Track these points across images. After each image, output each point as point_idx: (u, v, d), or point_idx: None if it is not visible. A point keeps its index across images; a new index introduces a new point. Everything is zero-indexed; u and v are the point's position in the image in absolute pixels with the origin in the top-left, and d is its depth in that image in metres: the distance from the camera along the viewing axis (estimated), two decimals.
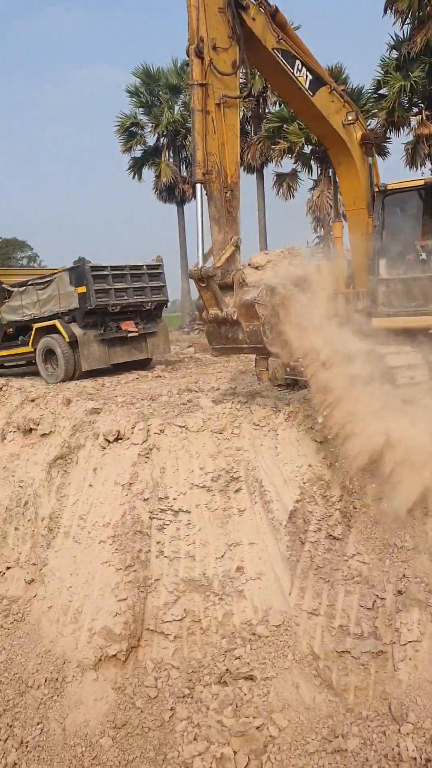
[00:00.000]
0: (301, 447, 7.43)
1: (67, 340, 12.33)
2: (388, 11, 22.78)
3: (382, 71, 23.65)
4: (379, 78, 23.82)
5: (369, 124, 23.82)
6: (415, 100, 23.83)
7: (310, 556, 6.80)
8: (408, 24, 22.67)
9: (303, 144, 24.39)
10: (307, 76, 8.71)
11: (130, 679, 6.82)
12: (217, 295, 7.35)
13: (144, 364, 14.01)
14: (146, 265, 13.52)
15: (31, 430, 9.91)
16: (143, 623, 7.10)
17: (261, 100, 27.20)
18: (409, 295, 8.81)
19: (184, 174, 29.86)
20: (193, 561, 7.25)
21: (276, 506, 7.18)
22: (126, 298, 12.78)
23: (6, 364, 15.22)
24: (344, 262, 10.08)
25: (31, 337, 13.24)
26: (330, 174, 24.61)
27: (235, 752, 5.89)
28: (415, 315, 8.67)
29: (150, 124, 29.41)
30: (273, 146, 25.54)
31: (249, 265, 7.55)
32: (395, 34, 23.31)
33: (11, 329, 14.22)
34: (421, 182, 8.81)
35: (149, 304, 13.40)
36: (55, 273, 13.01)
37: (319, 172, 26.01)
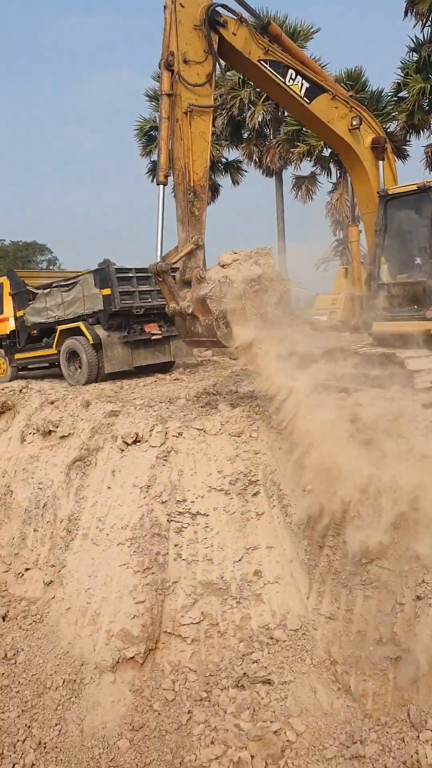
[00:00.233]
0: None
1: (91, 342, 12.30)
2: (409, 14, 22.72)
3: (402, 74, 23.53)
4: (399, 81, 23.70)
5: (388, 127, 23.71)
6: None
7: (329, 561, 6.77)
8: (428, 26, 22.57)
9: (322, 147, 24.27)
10: (302, 84, 8.93)
11: (148, 682, 6.83)
12: (173, 290, 7.96)
13: (167, 368, 13.99)
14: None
15: (50, 432, 9.97)
16: (161, 626, 7.11)
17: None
18: (406, 300, 8.83)
19: None
20: (210, 564, 7.25)
21: (294, 510, 7.16)
22: (150, 300, 12.74)
23: (29, 366, 15.30)
24: (361, 266, 10.07)
25: (55, 339, 13.24)
26: (348, 177, 24.51)
27: (252, 756, 5.87)
28: (409, 320, 8.75)
29: None
30: (292, 149, 25.49)
31: (218, 263, 7.95)
32: (415, 36, 23.19)
33: (35, 331, 14.23)
34: (414, 187, 8.80)
35: None
36: (80, 275, 13.01)
37: (339, 175, 25.90)
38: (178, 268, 8.12)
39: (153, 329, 12.92)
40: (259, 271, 7.70)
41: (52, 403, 10.63)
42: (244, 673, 6.48)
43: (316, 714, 6.10)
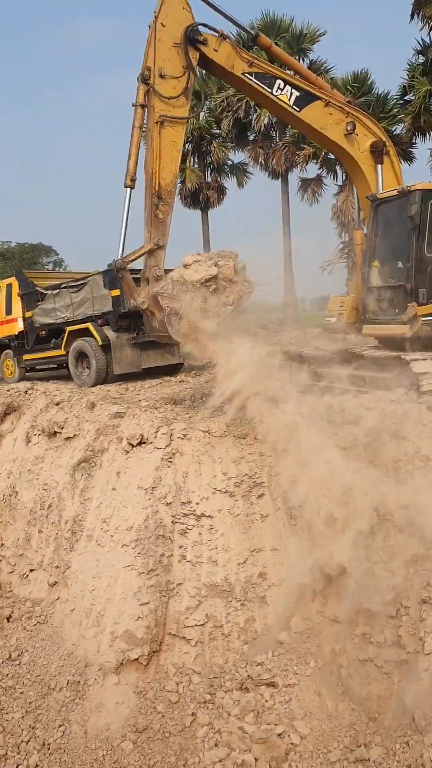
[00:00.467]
0: (324, 453, 7.37)
1: (100, 343, 12.26)
2: (415, 16, 22.69)
3: (408, 76, 23.51)
4: (405, 83, 23.67)
5: (394, 130, 23.68)
6: None
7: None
8: None
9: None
10: (291, 93, 9.22)
11: (152, 684, 6.82)
12: (131, 287, 8.57)
13: (175, 369, 13.95)
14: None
15: (55, 433, 9.98)
16: (165, 628, 7.10)
17: None
18: (390, 304, 8.91)
19: (209, 180, 29.91)
20: (215, 566, 7.24)
21: (299, 512, 7.14)
22: None
23: (37, 367, 15.29)
24: None
25: (64, 340, 13.20)
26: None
27: (256, 759, 5.86)
28: (391, 323, 8.90)
29: None
30: (298, 152, 25.52)
31: (182, 263, 8.39)
32: (422, 39, 23.17)
33: (43, 332, 14.19)
34: (395, 192, 8.84)
35: None
36: (89, 276, 12.98)
37: (344, 177, 25.88)
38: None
39: None
40: (215, 272, 8.08)
41: (57, 404, 10.63)
42: (248, 676, 6.47)
43: (321, 717, 6.08)
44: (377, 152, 9.65)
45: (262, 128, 26.59)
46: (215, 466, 7.77)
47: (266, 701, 6.25)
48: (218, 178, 30.26)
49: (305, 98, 9.26)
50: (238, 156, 30.03)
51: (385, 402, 7.58)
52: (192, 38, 8.38)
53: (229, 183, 30.61)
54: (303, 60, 26.16)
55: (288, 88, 9.15)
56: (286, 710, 6.15)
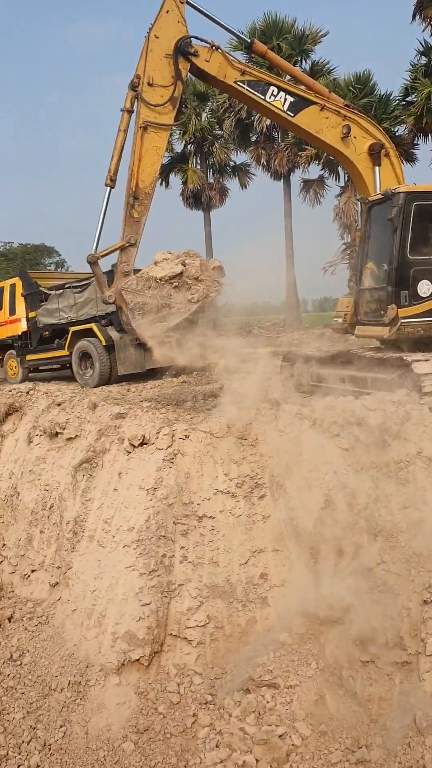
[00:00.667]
0: (325, 454, 7.38)
1: (104, 343, 12.26)
2: (417, 17, 22.69)
3: (410, 77, 23.50)
4: (408, 84, 23.65)
5: (397, 131, 23.66)
6: None
7: (335, 565, 6.74)
8: None
9: None
10: (285, 99, 9.40)
11: (153, 684, 6.82)
12: (101, 281, 9.18)
13: (180, 370, 13.91)
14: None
15: (57, 434, 9.99)
16: (166, 628, 7.10)
17: None
18: (377, 305, 8.96)
19: (211, 180, 29.94)
20: (216, 567, 7.24)
21: (300, 513, 7.14)
22: None
23: (41, 368, 15.28)
24: None
25: (68, 340, 13.19)
26: None
27: (257, 760, 5.85)
28: (375, 325, 9.02)
29: (177, 131, 29.57)
30: (300, 153, 25.51)
31: (153, 261, 8.97)
32: (424, 40, 23.16)
33: (47, 332, 14.17)
34: (379, 196, 8.91)
35: None
36: (93, 276, 12.97)
37: (346, 178, 25.87)
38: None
39: None
40: (179, 270, 8.63)
41: (59, 405, 10.64)
42: (250, 677, 6.47)
43: (322, 718, 6.07)
44: (375, 154, 9.68)
45: (265, 129, 26.62)
46: (217, 467, 7.76)
47: (267, 702, 6.25)
48: (220, 179, 30.31)
49: (300, 103, 9.42)
50: (240, 157, 30.11)
51: (387, 403, 7.57)
52: (183, 50, 8.70)
53: (232, 184, 30.68)
54: (305, 61, 26.21)
55: (282, 94, 9.33)
56: (287, 711, 6.14)
